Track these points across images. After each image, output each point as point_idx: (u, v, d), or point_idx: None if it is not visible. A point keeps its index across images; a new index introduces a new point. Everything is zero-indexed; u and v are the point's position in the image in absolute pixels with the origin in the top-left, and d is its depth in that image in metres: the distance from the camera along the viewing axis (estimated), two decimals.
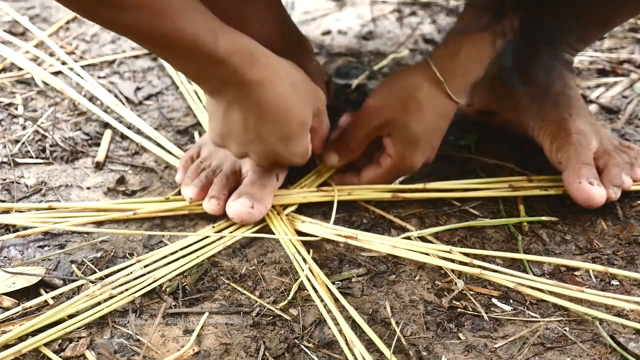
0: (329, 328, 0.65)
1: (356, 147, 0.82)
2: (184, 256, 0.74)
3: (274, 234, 0.77)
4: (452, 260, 0.72)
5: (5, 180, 0.86)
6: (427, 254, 0.73)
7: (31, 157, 0.90)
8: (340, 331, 0.64)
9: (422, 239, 0.77)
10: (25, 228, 0.77)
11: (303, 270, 0.71)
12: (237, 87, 0.69)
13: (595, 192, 0.77)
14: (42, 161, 0.90)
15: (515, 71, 0.89)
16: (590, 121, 0.85)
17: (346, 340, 0.64)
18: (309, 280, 0.70)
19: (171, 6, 0.63)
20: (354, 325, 0.65)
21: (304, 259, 0.72)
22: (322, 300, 0.68)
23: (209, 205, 0.78)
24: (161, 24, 0.63)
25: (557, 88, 0.87)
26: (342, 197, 0.82)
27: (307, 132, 0.75)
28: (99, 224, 0.79)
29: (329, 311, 0.66)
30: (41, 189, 0.85)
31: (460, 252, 0.72)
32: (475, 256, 0.72)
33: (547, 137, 0.84)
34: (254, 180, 0.79)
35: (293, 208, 0.81)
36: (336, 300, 0.68)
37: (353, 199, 0.82)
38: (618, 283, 0.72)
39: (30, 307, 0.67)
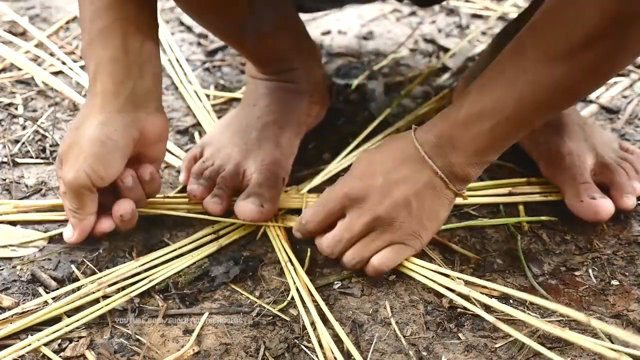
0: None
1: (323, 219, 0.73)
2: (183, 254, 0.74)
3: (270, 236, 0.77)
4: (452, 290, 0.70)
5: (5, 180, 0.86)
6: (428, 278, 0.70)
7: (31, 157, 0.90)
8: (320, 343, 0.64)
9: None
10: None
11: (295, 283, 0.71)
12: None
13: (600, 204, 0.76)
14: (42, 161, 0.90)
15: None
16: (583, 137, 0.83)
17: (331, 347, 0.64)
18: (298, 292, 0.70)
19: None
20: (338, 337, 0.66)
21: (295, 269, 0.72)
22: (307, 311, 0.68)
23: (211, 204, 0.77)
24: None
25: None
26: None
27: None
28: None
29: (312, 323, 0.66)
30: (41, 189, 0.85)
31: (462, 279, 0.69)
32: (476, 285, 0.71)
33: (541, 159, 0.84)
34: (262, 181, 0.79)
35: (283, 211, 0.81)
36: (322, 307, 0.68)
37: None
38: (618, 283, 0.72)
39: (30, 308, 0.67)
